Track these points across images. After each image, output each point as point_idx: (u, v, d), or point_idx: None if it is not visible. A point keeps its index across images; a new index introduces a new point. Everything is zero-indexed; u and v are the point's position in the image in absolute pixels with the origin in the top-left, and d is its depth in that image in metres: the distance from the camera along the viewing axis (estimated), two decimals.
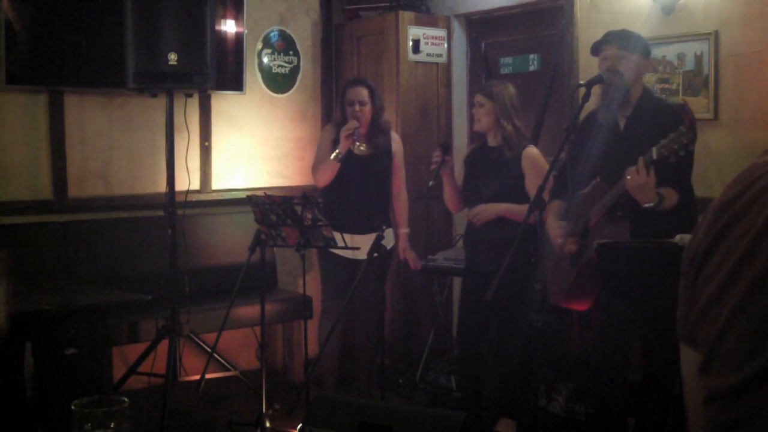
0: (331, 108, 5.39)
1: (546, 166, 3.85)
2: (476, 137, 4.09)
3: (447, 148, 3.95)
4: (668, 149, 2.90)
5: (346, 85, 4.35)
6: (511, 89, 3.96)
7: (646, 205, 3.05)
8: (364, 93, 4.22)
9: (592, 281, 3.28)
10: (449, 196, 4.11)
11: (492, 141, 3.96)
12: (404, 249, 4.40)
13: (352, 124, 4.12)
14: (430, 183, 3.89)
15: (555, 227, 3.47)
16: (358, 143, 4.24)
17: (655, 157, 2.94)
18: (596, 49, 3.39)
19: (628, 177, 3.02)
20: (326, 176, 4.21)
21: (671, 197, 3.14)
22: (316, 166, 4.34)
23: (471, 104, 4.08)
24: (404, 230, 4.41)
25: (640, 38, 3.38)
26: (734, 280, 1.14)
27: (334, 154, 4.13)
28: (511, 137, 3.88)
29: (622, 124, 3.35)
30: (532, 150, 3.92)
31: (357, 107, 4.19)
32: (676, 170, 3.09)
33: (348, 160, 4.18)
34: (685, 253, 1.25)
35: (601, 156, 3.39)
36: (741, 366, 1.11)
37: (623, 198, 3.14)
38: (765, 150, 1.20)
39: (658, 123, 3.19)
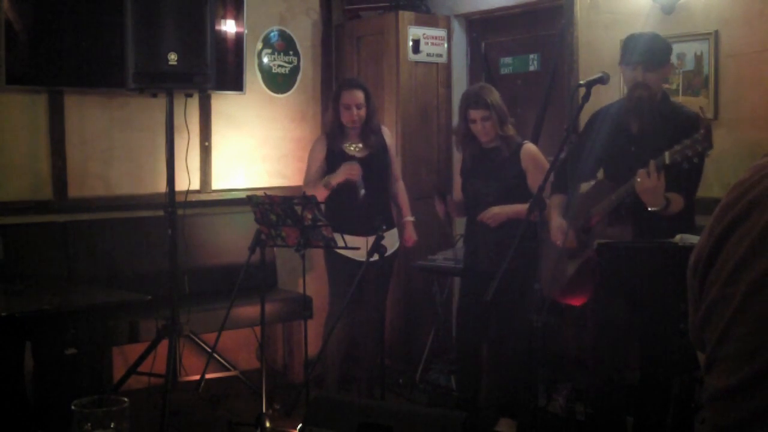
0: None
1: (545, 162, 3.85)
2: (468, 140, 4.00)
3: (443, 193, 4.02)
4: (682, 155, 2.89)
5: (341, 87, 4.29)
6: (494, 91, 3.92)
7: (652, 209, 3.05)
8: (360, 96, 4.18)
9: (590, 278, 3.29)
10: (455, 215, 4.18)
11: (488, 143, 3.95)
12: (410, 236, 4.38)
13: (357, 170, 4.08)
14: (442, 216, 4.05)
15: (557, 226, 3.47)
16: (353, 147, 4.23)
17: (667, 161, 2.93)
18: (628, 62, 3.34)
19: (639, 179, 3.02)
20: (319, 197, 4.03)
21: (677, 203, 3.14)
22: (307, 185, 4.26)
23: (465, 119, 3.92)
24: (410, 218, 4.40)
25: (667, 48, 3.34)
26: (734, 283, 1.14)
27: (324, 182, 4.12)
28: (511, 136, 3.88)
29: (635, 126, 3.34)
30: (530, 147, 3.91)
31: (354, 111, 4.16)
32: (686, 177, 3.08)
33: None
34: (690, 260, 1.26)
35: (609, 155, 3.39)
36: (740, 367, 1.12)
37: (628, 199, 3.14)
38: (767, 152, 1.20)
39: (670, 129, 3.18)
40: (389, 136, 4.42)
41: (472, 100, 3.90)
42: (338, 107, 4.22)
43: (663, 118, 3.27)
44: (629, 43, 3.36)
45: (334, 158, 4.21)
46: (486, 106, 3.83)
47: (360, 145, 4.25)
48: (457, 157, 4.85)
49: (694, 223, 3.29)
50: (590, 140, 3.47)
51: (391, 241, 4.19)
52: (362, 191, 4.09)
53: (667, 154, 2.94)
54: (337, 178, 4.11)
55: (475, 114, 3.86)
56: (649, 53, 3.27)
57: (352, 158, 4.21)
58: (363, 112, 4.19)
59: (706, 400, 1.19)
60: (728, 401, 1.13)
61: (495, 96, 3.88)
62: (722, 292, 1.16)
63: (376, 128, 4.32)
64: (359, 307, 4.21)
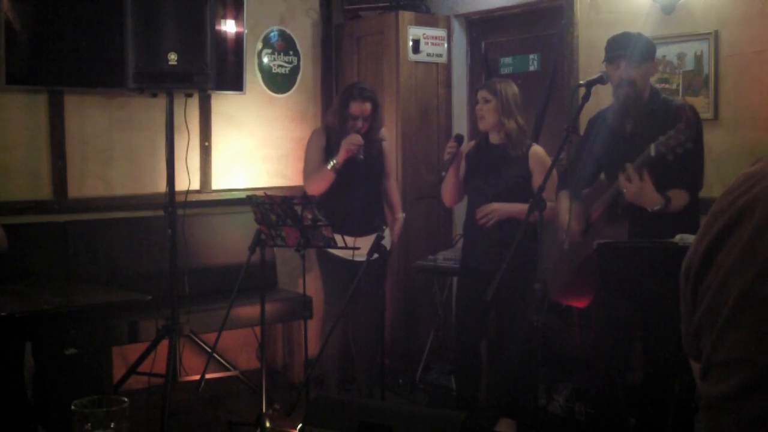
0: None
1: None
2: (477, 134, 4.08)
3: (461, 140, 3.90)
4: (666, 146, 2.90)
5: (350, 96, 4.16)
6: (513, 87, 3.94)
7: (653, 209, 3.04)
8: (368, 108, 4.13)
9: (591, 278, 3.29)
10: (450, 189, 4.02)
11: (495, 138, 3.95)
12: (398, 233, 4.34)
13: (356, 139, 4.04)
14: (443, 174, 3.88)
15: (565, 209, 3.47)
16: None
17: (653, 154, 2.95)
18: (611, 59, 3.37)
19: (624, 190, 3.03)
20: (322, 186, 4.10)
21: (680, 198, 3.13)
22: (309, 176, 4.22)
23: (474, 101, 4.03)
24: (402, 215, 4.37)
25: (649, 45, 3.37)
26: (726, 290, 1.15)
27: (331, 164, 4.06)
28: (513, 135, 3.87)
29: (629, 124, 3.35)
30: (538, 149, 3.92)
31: (360, 123, 4.12)
32: (684, 170, 3.08)
33: (346, 163, 4.15)
34: (681, 268, 1.26)
35: (607, 157, 3.39)
36: (735, 374, 1.12)
37: (622, 198, 3.14)
38: (757, 159, 1.21)
39: (660, 123, 3.19)
40: (388, 140, 4.38)
41: (484, 82, 4.08)
42: (345, 113, 4.15)
43: (654, 115, 3.28)
44: (611, 43, 3.39)
45: (330, 156, 4.17)
46: (492, 91, 3.89)
47: (361, 153, 4.23)
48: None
49: (698, 221, 3.29)
50: (589, 145, 3.48)
51: (386, 237, 4.18)
52: (360, 157, 4.08)
53: (652, 146, 2.95)
54: (341, 156, 4.05)
55: (480, 94, 3.95)
56: (630, 50, 3.30)
57: (353, 159, 4.19)
58: (368, 124, 4.15)
59: (702, 408, 1.19)
60: (725, 408, 1.13)
61: (509, 88, 3.90)
62: (715, 299, 1.16)
63: (378, 138, 4.30)
64: (355, 307, 4.21)
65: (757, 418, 1.08)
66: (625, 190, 3.02)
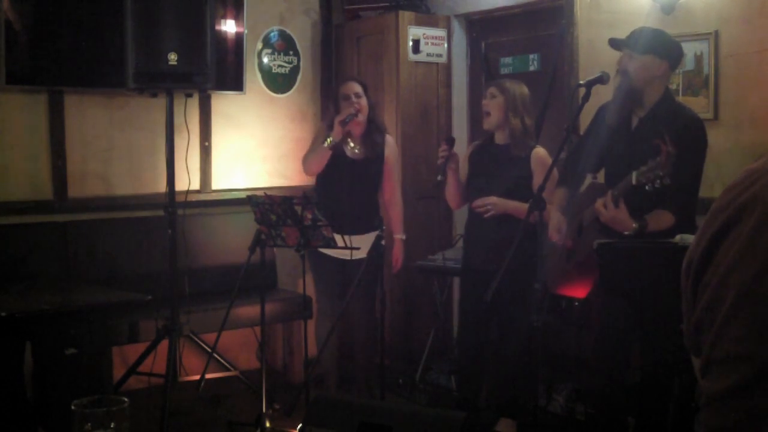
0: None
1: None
2: (478, 134, 4.08)
3: (452, 142, 3.92)
4: (646, 178, 2.88)
5: (339, 82, 4.41)
6: (523, 88, 3.94)
7: (627, 234, 3.06)
8: (357, 86, 4.24)
9: (588, 275, 3.30)
10: (452, 191, 4.04)
11: (500, 139, 3.96)
12: (397, 257, 4.39)
13: (347, 110, 4.12)
14: (439, 178, 3.85)
15: (555, 220, 3.47)
16: (352, 145, 4.21)
17: (634, 182, 2.93)
18: (616, 46, 3.36)
19: (599, 214, 3.05)
20: (315, 164, 4.19)
21: (662, 220, 3.11)
22: (306, 156, 4.33)
23: (482, 97, 4.02)
24: (400, 236, 4.39)
25: (659, 39, 3.29)
26: (726, 286, 1.15)
27: (327, 142, 4.11)
28: (518, 134, 3.87)
29: (634, 123, 3.34)
30: (541, 150, 3.92)
31: (353, 99, 4.19)
32: (673, 193, 3.05)
33: (340, 161, 4.17)
34: (683, 263, 1.26)
35: (608, 151, 3.38)
36: (735, 370, 1.12)
37: None
38: (760, 155, 1.21)
39: (661, 129, 3.17)
40: (392, 148, 4.39)
41: (494, 81, 4.12)
42: (338, 102, 4.24)
43: (662, 117, 3.25)
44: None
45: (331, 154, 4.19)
46: (500, 88, 3.91)
47: (358, 149, 4.24)
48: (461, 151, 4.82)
49: (695, 223, 3.28)
50: (594, 132, 3.47)
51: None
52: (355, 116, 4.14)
53: (634, 174, 2.93)
54: (334, 133, 4.10)
55: (488, 90, 3.96)
56: (632, 37, 3.27)
57: (348, 158, 4.22)
58: (363, 102, 4.21)
59: (702, 405, 1.19)
60: (725, 404, 1.13)
61: (518, 88, 3.91)
62: (715, 295, 1.16)
63: (381, 128, 4.32)
64: (352, 307, 4.21)
65: (756, 415, 1.08)
66: (599, 210, 3.05)
